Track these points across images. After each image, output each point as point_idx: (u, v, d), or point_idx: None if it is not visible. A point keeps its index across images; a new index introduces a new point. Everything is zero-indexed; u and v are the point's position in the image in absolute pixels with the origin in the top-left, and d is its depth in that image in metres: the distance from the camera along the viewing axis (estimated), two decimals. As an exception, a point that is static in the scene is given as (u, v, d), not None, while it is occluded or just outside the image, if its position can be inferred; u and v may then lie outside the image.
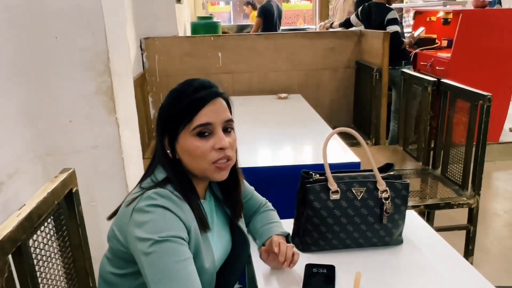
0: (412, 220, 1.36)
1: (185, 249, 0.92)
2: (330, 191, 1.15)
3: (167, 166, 1.02)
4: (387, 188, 1.16)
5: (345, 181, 1.17)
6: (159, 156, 1.03)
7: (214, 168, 1.00)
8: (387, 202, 1.15)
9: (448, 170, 2.39)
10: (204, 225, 1.02)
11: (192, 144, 0.98)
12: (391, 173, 1.21)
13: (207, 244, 1.02)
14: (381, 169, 1.22)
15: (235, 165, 1.09)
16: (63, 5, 1.37)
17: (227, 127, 1.02)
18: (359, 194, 1.16)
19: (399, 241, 1.23)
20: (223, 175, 1.02)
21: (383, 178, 1.18)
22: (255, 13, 5.54)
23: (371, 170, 1.19)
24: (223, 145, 0.99)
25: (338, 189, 1.15)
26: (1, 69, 1.27)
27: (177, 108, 0.99)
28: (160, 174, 1.02)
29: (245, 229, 1.16)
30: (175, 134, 1.00)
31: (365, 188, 1.16)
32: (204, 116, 0.98)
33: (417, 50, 4.12)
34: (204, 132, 0.98)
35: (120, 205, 1.03)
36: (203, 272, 0.99)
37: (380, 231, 1.19)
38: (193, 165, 1.01)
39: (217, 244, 1.10)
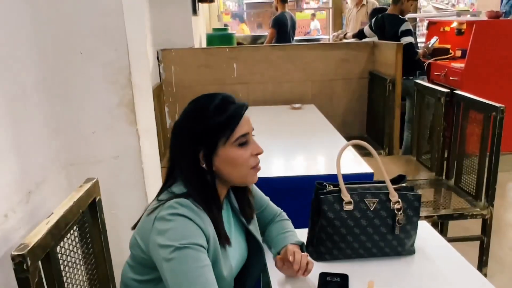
0: (425, 230, 1.38)
1: (204, 256, 0.97)
2: (344, 202, 1.18)
3: (194, 180, 1.05)
4: (399, 200, 1.19)
5: (358, 192, 1.20)
6: (185, 172, 1.07)
7: (252, 172, 1.09)
8: (399, 213, 1.19)
9: (462, 180, 2.40)
10: (226, 239, 1.07)
11: (236, 154, 1.05)
12: (404, 184, 1.24)
13: (225, 253, 1.07)
14: (394, 181, 1.25)
15: None
16: (88, 22, 1.44)
17: (252, 135, 1.10)
18: (372, 205, 1.19)
19: (411, 251, 1.26)
20: (256, 178, 1.12)
21: (396, 189, 1.21)
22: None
23: (383, 182, 1.22)
24: (260, 151, 1.09)
25: (352, 200, 1.19)
26: (29, 82, 1.34)
27: (214, 123, 1.04)
28: (177, 188, 1.06)
29: (259, 238, 1.20)
30: (214, 147, 1.05)
31: (377, 199, 1.20)
32: (242, 127, 1.06)
33: (430, 60, 4.13)
34: (244, 141, 1.06)
35: (142, 215, 1.07)
36: (221, 279, 1.03)
37: (392, 241, 1.22)
38: (233, 173, 1.07)
39: (234, 253, 1.14)
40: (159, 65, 3.39)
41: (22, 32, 1.33)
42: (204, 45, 4.65)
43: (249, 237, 1.21)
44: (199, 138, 1.05)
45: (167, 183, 1.10)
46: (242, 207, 1.19)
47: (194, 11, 3.88)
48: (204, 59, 3.44)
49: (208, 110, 1.05)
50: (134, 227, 1.09)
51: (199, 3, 4.30)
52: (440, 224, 2.51)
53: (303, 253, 1.13)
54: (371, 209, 1.19)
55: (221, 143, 1.04)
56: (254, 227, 1.21)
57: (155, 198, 1.08)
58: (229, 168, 1.07)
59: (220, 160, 1.06)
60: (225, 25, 6.55)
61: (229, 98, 1.08)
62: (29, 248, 0.92)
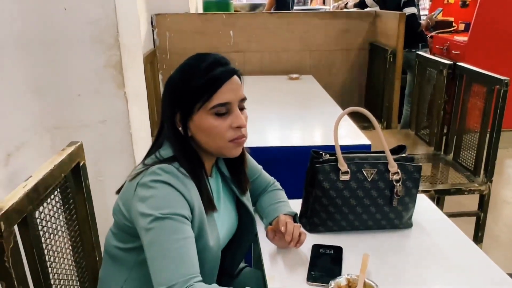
0: (423, 204, 1.33)
1: (186, 228, 0.91)
2: (340, 172, 1.13)
3: (175, 143, 0.99)
4: (398, 170, 1.13)
5: (355, 162, 1.14)
6: (167, 133, 1.00)
7: (231, 146, 0.99)
8: (398, 184, 1.13)
9: (461, 156, 2.36)
10: (211, 206, 1.00)
11: (210, 123, 0.96)
12: (403, 155, 1.18)
13: (212, 222, 1.01)
14: (393, 151, 1.19)
15: None
16: (72, -25, 1.35)
17: (242, 105, 1.00)
18: (369, 175, 1.14)
19: (409, 224, 1.21)
20: (238, 151, 1.01)
21: (395, 160, 1.15)
22: None
23: (382, 152, 1.16)
24: (241, 123, 0.97)
25: (348, 169, 1.13)
26: (8, 40, 1.25)
27: (193, 85, 0.95)
28: (165, 152, 0.99)
29: (251, 208, 1.15)
30: (190, 112, 0.96)
31: (376, 170, 1.14)
32: (223, 95, 0.95)
33: (433, 33, 4.03)
34: (222, 111, 0.96)
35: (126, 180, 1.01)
36: (207, 250, 0.98)
37: (389, 214, 1.17)
38: (208, 143, 0.98)
39: (223, 222, 1.08)
40: (153, 31, 3.28)
41: (0, -17, 1.23)
42: (200, 11, 4.51)
43: (240, 207, 1.15)
44: (178, 98, 0.97)
45: (156, 143, 1.03)
46: (237, 178, 1.12)
47: (191, -25, 3.73)
48: (200, 26, 3.33)
49: (193, 70, 0.96)
50: (118, 192, 1.03)
51: (196, -33, 4.15)
52: (436, 199, 2.48)
53: (295, 224, 1.08)
54: (369, 179, 1.14)
55: (197, 108, 0.95)
56: (246, 198, 1.15)
57: (142, 161, 1.01)
58: (203, 137, 0.98)
59: (194, 127, 0.98)
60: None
61: (221, 60, 0.98)
62: (2, 212, 0.85)
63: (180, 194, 0.92)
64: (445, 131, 2.55)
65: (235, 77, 0.98)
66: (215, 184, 1.09)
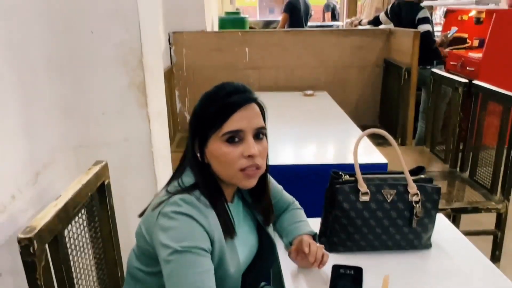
0: (441, 223, 1.34)
1: (205, 261, 0.92)
2: (360, 193, 1.14)
3: (195, 169, 1.01)
4: (417, 192, 1.15)
5: (375, 183, 1.16)
6: (188, 159, 1.03)
7: (242, 176, 0.98)
8: (417, 205, 1.14)
9: (477, 173, 2.35)
10: (229, 231, 1.01)
11: (221, 150, 0.97)
12: (422, 176, 1.19)
13: (232, 250, 1.02)
14: (412, 172, 1.20)
15: (265, 171, 1.06)
16: (100, 1, 1.40)
17: (259, 134, 0.99)
18: (389, 196, 1.15)
19: (427, 245, 1.22)
20: (251, 183, 1.01)
21: (414, 181, 1.16)
22: None
23: (401, 172, 1.18)
24: (252, 152, 0.96)
25: (368, 190, 1.15)
26: (38, 62, 1.30)
27: (208, 112, 0.97)
28: (187, 178, 1.01)
29: (272, 233, 1.16)
30: (205, 138, 0.98)
31: (395, 191, 1.15)
32: (235, 122, 0.96)
33: (447, 49, 4.04)
34: (234, 138, 0.96)
35: (149, 204, 1.04)
36: (228, 277, 0.99)
37: (409, 235, 1.18)
38: (221, 170, 1.00)
39: (243, 248, 1.09)
40: (170, 48, 3.35)
41: (33, 10, 1.29)
42: (216, 28, 4.59)
43: (261, 232, 1.16)
44: (195, 125, 1.00)
45: (179, 169, 1.05)
46: (261, 209, 1.12)
47: (207, -6, 3.81)
48: (216, 43, 3.39)
49: (212, 98, 0.98)
50: (141, 215, 1.05)
51: (212, -14, 4.23)
52: (453, 217, 2.46)
53: (318, 245, 1.09)
54: (388, 200, 1.15)
55: (210, 135, 0.97)
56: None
57: (164, 186, 1.04)
58: (216, 164, 0.99)
59: (209, 153, 0.99)
60: (237, 9, 6.46)
61: (239, 88, 0.99)
62: (36, 231, 0.89)
63: (200, 226, 0.93)
64: (460, 148, 2.55)
65: (252, 104, 0.98)
66: (235, 209, 1.10)
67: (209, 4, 3.99)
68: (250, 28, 5.12)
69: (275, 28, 5.78)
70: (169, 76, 3.25)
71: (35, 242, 0.88)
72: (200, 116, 0.99)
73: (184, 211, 0.93)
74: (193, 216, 0.93)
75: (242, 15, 4.57)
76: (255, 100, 1.00)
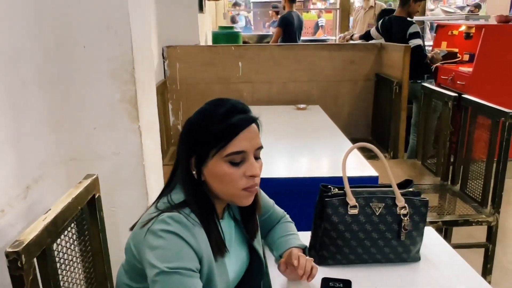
0: (430, 237, 1.35)
1: (192, 282, 0.91)
2: (349, 206, 1.15)
3: (188, 187, 1.00)
4: (405, 205, 1.16)
5: (364, 196, 1.17)
6: (181, 176, 1.02)
7: (243, 194, 0.99)
8: (405, 218, 1.15)
9: (468, 186, 2.37)
10: (220, 250, 1.00)
11: (224, 171, 0.96)
12: (411, 189, 1.20)
13: (222, 268, 1.02)
14: (400, 185, 1.22)
15: None
16: (92, 16, 1.41)
17: (258, 153, 1.00)
18: (377, 209, 1.16)
19: (416, 258, 1.23)
20: (249, 201, 1.02)
21: (402, 194, 1.18)
22: None
23: (390, 186, 1.19)
24: (255, 173, 0.98)
25: (357, 204, 1.16)
26: (29, 75, 1.31)
27: (210, 131, 0.95)
28: (176, 195, 1.00)
29: (261, 251, 1.16)
30: (205, 157, 0.97)
31: (383, 204, 1.16)
32: (239, 143, 0.95)
33: (437, 64, 4.09)
34: (237, 159, 0.96)
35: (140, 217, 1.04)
36: None
37: (397, 248, 1.19)
38: (221, 189, 0.99)
39: (234, 265, 1.09)
40: (163, 62, 3.37)
41: (23, 24, 1.30)
42: (209, 42, 4.63)
43: (251, 247, 1.16)
44: (194, 142, 0.98)
45: (169, 185, 1.05)
46: (246, 224, 1.13)
47: (201, 8, 3.86)
48: (209, 57, 3.42)
49: (211, 116, 0.97)
50: (132, 228, 1.05)
51: (206, 0, 4.28)
52: (444, 230, 2.48)
53: (308, 258, 1.10)
54: (377, 213, 1.16)
55: (211, 154, 0.96)
56: (256, 241, 1.16)
57: (154, 202, 1.03)
58: (216, 184, 0.99)
59: (208, 172, 0.98)
60: (232, 22, 6.53)
61: (238, 106, 0.98)
62: (24, 245, 0.89)
63: (188, 245, 0.92)
64: (451, 161, 2.57)
65: (253, 125, 0.98)
66: (227, 226, 1.10)
67: (203, 18, 4.04)
68: (244, 42, 5.17)
69: (268, 42, 5.83)
70: (163, 89, 3.27)
71: (23, 256, 0.88)
72: (200, 134, 0.97)
73: (173, 229, 0.92)
74: (181, 235, 0.92)
75: (235, 30, 4.61)
76: (256, 120, 1.00)
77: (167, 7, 3.37)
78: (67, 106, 1.46)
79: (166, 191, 1.04)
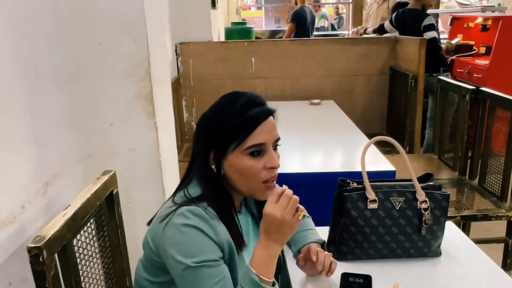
0: (450, 231, 1.33)
1: (219, 269, 0.92)
2: (368, 200, 1.14)
3: (206, 181, 1.00)
4: (426, 199, 1.14)
5: (383, 190, 1.15)
6: (199, 170, 1.01)
7: (263, 187, 0.99)
8: (426, 213, 1.14)
9: (486, 180, 2.33)
10: (239, 243, 1.00)
11: (244, 163, 0.96)
12: (431, 183, 1.19)
13: (241, 262, 1.02)
14: (420, 179, 1.20)
15: None
16: (107, 13, 1.42)
17: (276, 145, 1.00)
18: (397, 204, 1.15)
19: (437, 253, 1.21)
20: (268, 194, 1.00)
21: (422, 188, 1.16)
22: None
23: (409, 180, 1.17)
24: (275, 164, 0.98)
25: (376, 198, 1.14)
26: (46, 73, 1.32)
27: (228, 125, 0.95)
28: (193, 189, 1.00)
29: None
30: (224, 151, 0.96)
31: (403, 198, 1.15)
32: (259, 136, 0.95)
33: (453, 57, 4.03)
34: (257, 151, 0.96)
35: (157, 212, 1.04)
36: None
37: (418, 242, 1.17)
38: (242, 183, 0.99)
39: None
40: (177, 59, 3.38)
41: (41, 22, 1.31)
42: (222, 39, 4.62)
43: None
44: (212, 137, 0.98)
45: (185, 180, 1.05)
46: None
47: (213, 4, 3.85)
48: (222, 53, 3.41)
49: (229, 109, 0.96)
50: (149, 223, 1.05)
51: (218, -3, 4.27)
52: (462, 225, 2.44)
53: (326, 253, 1.09)
54: (397, 208, 1.15)
55: (232, 147, 0.95)
56: None
57: (171, 196, 1.03)
58: (237, 177, 0.98)
59: (228, 166, 0.98)
60: (243, 19, 6.51)
61: (256, 99, 0.98)
62: (45, 241, 0.90)
63: (209, 238, 0.93)
64: (469, 155, 2.53)
65: (271, 117, 0.98)
66: (244, 220, 1.10)
67: (215, 15, 4.03)
68: (256, 38, 5.16)
69: (281, 37, 5.81)
70: (176, 86, 3.28)
71: (44, 251, 0.88)
72: (219, 128, 0.97)
73: (192, 223, 0.93)
74: (201, 229, 0.93)
75: (248, 25, 4.60)
76: (273, 113, 1.00)
77: (180, 4, 3.37)
78: (84, 103, 1.47)
79: (182, 185, 1.04)
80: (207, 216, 0.95)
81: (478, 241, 2.21)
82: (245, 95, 0.99)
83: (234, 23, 4.93)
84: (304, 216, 0.95)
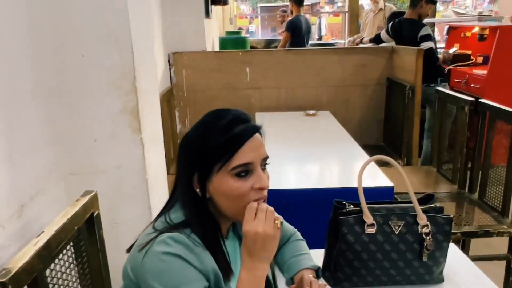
0: (453, 254, 1.25)
1: None
2: (366, 224, 1.07)
3: (191, 206, 0.93)
4: (428, 223, 1.07)
5: (381, 214, 1.08)
6: (182, 194, 0.95)
7: None
8: (428, 237, 1.06)
9: (487, 194, 2.26)
10: (227, 273, 0.93)
11: (230, 185, 0.89)
12: (432, 205, 1.11)
13: (229, 285, 0.95)
14: (421, 201, 1.12)
15: None
16: (90, 23, 1.35)
17: (264, 164, 0.94)
18: (397, 228, 1.07)
19: (439, 279, 1.14)
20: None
21: (423, 210, 1.09)
22: None
23: (410, 202, 1.10)
24: (264, 185, 0.91)
25: (374, 222, 1.07)
26: (24, 86, 1.24)
27: (212, 144, 0.89)
28: (175, 215, 0.93)
29: (269, 273, 1.06)
30: (209, 172, 0.90)
31: (403, 222, 1.07)
32: (245, 154, 0.89)
33: (451, 67, 3.98)
34: (244, 172, 0.90)
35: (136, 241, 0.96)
36: None
37: (419, 269, 1.09)
38: (228, 206, 0.92)
39: None
40: (170, 69, 3.31)
41: (18, 31, 1.23)
42: (216, 48, 4.57)
43: None
44: (196, 158, 0.91)
45: (168, 205, 0.98)
46: None
47: (207, 14, 3.79)
48: (216, 63, 3.35)
49: (212, 128, 0.91)
50: (129, 250, 0.97)
51: (212, 6, 4.22)
52: (462, 241, 2.37)
53: (321, 283, 1.01)
54: (396, 232, 1.07)
55: (216, 168, 0.89)
56: None
57: (151, 222, 0.96)
58: (223, 200, 0.91)
59: (214, 188, 0.91)
60: (239, 28, 6.47)
61: (240, 116, 0.93)
62: (11, 275, 0.82)
63: (193, 268, 0.86)
64: (469, 167, 2.47)
65: (257, 135, 0.92)
66: (231, 246, 1.03)
67: (209, 24, 3.98)
68: (252, 47, 5.11)
69: (276, 46, 5.76)
70: (169, 97, 3.21)
71: (10, 287, 0.80)
72: (202, 149, 0.90)
73: (174, 251, 0.86)
74: (184, 257, 0.86)
75: (243, 35, 4.55)
76: (259, 129, 0.94)
77: (173, 13, 3.31)
78: (65, 118, 1.40)
79: (164, 210, 0.97)
80: (190, 244, 0.88)
81: (479, 259, 2.15)
82: (229, 113, 0.93)
83: (228, 33, 4.88)
84: (281, 222, 0.91)
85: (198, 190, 0.92)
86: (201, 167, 0.91)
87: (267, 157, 0.94)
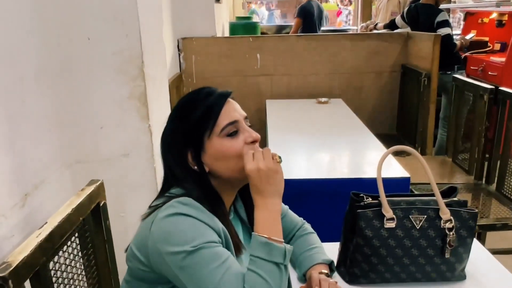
0: (475, 250, 1.19)
1: (221, 250, 0.84)
2: (385, 218, 1.01)
3: (194, 184, 0.92)
4: (451, 218, 1.00)
5: (402, 207, 1.02)
6: (182, 177, 0.93)
7: None
8: (451, 233, 1.00)
9: (505, 186, 2.19)
10: (238, 246, 0.92)
11: (224, 146, 0.91)
12: (455, 199, 1.05)
13: (240, 263, 0.91)
14: (443, 193, 1.06)
15: None
16: (96, 5, 1.29)
17: (248, 123, 0.96)
18: (418, 222, 1.01)
19: (461, 277, 1.08)
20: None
21: (446, 204, 1.02)
22: None
23: (432, 195, 1.04)
24: (255, 137, 0.94)
25: (394, 216, 1.01)
26: (28, 71, 1.19)
27: (194, 117, 0.91)
28: (175, 190, 0.92)
29: None
30: (200, 144, 0.92)
31: (425, 216, 1.01)
32: (228, 114, 0.92)
33: (467, 54, 3.87)
34: (233, 130, 0.92)
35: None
36: None
37: (441, 266, 1.04)
38: (228, 168, 0.92)
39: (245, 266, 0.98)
40: (179, 55, 3.25)
41: (21, 15, 1.18)
42: (227, 34, 4.49)
43: None
44: (183, 138, 0.92)
45: (164, 189, 0.95)
46: (253, 225, 1.00)
47: (217, -2, 3.71)
48: (226, 49, 3.28)
49: (187, 107, 0.93)
50: (126, 250, 0.93)
51: (223, -10, 4.13)
52: (478, 234, 2.30)
53: (331, 281, 0.96)
54: (417, 227, 1.01)
55: (206, 137, 0.91)
56: None
57: (149, 206, 0.93)
58: (221, 164, 0.92)
59: (210, 157, 0.92)
60: (252, 12, 6.37)
61: (210, 88, 0.96)
62: (11, 269, 0.77)
63: (204, 224, 0.84)
64: (486, 157, 2.39)
65: (231, 100, 0.96)
66: (234, 224, 1.00)
67: (219, 9, 3.90)
68: (262, 33, 5.02)
69: (287, 33, 5.66)
70: (178, 83, 3.15)
71: (10, 282, 0.76)
72: (187, 125, 0.92)
73: (182, 211, 0.84)
74: (193, 216, 0.84)
75: (253, 20, 4.46)
76: (231, 94, 0.97)
77: (183, -2, 3.24)
78: (70, 105, 1.35)
79: (161, 193, 0.96)
80: (199, 205, 0.86)
81: (496, 252, 2.08)
82: (198, 90, 0.96)
83: (239, 18, 4.79)
84: (280, 157, 0.92)
85: (195, 167, 0.92)
86: (192, 142, 0.92)
87: (247, 117, 0.97)
